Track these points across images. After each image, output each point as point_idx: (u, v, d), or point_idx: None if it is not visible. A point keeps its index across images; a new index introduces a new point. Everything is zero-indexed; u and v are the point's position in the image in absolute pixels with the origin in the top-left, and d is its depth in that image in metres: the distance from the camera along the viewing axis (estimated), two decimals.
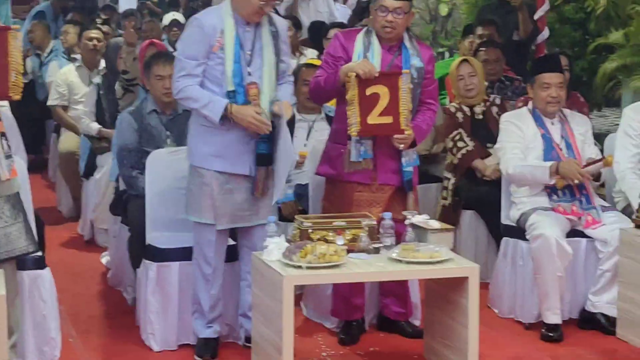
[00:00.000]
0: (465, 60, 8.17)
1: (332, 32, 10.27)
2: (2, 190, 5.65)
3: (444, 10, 15.23)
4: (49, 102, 9.90)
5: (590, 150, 7.08)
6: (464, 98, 7.99)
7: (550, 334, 6.60)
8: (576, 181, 6.74)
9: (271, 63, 6.10)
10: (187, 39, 6.13)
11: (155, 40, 8.98)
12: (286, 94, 6.26)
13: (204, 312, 6.27)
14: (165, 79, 6.93)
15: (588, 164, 6.83)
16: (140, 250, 6.64)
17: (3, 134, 5.68)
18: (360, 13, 12.65)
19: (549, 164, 6.80)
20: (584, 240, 6.80)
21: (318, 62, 8.89)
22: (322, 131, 7.44)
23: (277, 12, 13.10)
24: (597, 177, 6.97)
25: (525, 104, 7.53)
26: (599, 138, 7.42)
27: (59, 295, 6.23)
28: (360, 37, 6.39)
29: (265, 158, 6.10)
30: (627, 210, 6.93)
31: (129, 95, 8.24)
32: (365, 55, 6.29)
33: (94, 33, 9.98)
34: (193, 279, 6.33)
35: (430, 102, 6.54)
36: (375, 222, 5.98)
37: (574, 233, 6.77)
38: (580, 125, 7.16)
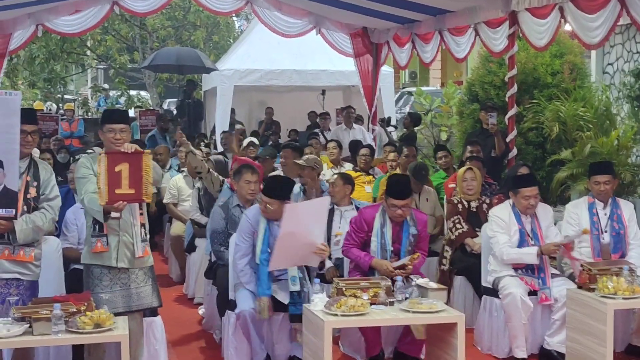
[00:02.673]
0: (470, 168, 8.12)
1: (363, 150, 10.39)
2: (137, 263, 5.72)
3: (444, 135, 15.25)
4: (165, 200, 10.01)
5: (552, 231, 7.01)
6: (464, 194, 7.97)
7: None
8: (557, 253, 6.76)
9: None
10: (240, 229, 6.50)
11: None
12: None
13: None
14: (251, 184, 7.06)
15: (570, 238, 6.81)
16: (225, 304, 6.67)
17: (143, 225, 5.76)
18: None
19: (534, 249, 6.73)
20: None
21: (353, 174, 9.03)
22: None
23: (323, 136, 13.31)
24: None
25: (499, 202, 7.53)
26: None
27: (168, 336, 6.26)
28: (378, 216, 6.61)
29: (296, 317, 6.20)
30: (571, 276, 6.89)
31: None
32: (382, 230, 6.57)
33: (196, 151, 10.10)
34: None
35: (422, 252, 6.69)
36: (390, 283, 5.99)
37: (533, 292, 6.72)
38: (545, 218, 7.04)
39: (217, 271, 7.12)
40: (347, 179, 7.77)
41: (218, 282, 6.99)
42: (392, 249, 6.57)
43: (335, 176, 7.91)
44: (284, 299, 6.25)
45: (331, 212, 7.59)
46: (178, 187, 9.85)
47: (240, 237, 6.45)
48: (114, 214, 5.45)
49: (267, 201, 6.35)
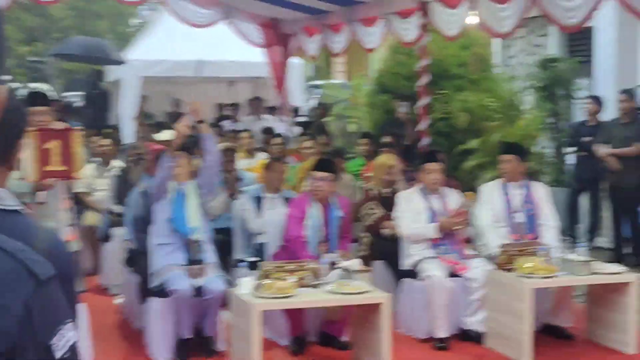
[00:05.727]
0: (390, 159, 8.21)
1: (276, 139, 10.38)
2: None
3: (353, 127, 15.35)
4: (77, 190, 9.75)
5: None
6: (381, 183, 8.02)
7: (440, 344, 6.65)
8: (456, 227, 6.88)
9: None
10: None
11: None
12: None
13: None
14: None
15: (459, 211, 6.97)
16: (147, 291, 6.59)
17: (68, 209, 5.68)
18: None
19: (433, 224, 6.91)
20: (460, 279, 6.86)
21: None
22: (279, 208, 7.50)
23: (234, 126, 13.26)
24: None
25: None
26: None
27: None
28: (309, 201, 6.80)
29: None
30: (489, 256, 7.04)
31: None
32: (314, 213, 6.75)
33: (104, 142, 9.98)
34: None
35: (346, 235, 7.02)
36: (317, 266, 6.03)
37: (452, 274, 6.85)
38: (453, 200, 7.26)
39: (137, 259, 7.03)
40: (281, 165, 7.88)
41: (139, 270, 6.90)
42: (322, 232, 6.67)
43: (271, 161, 7.93)
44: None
45: (260, 200, 7.60)
46: (90, 176, 9.66)
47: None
48: (39, 197, 5.36)
49: (178, 155, 6.60)
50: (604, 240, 10.32)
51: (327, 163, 6.96)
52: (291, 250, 6.66)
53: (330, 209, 6.81)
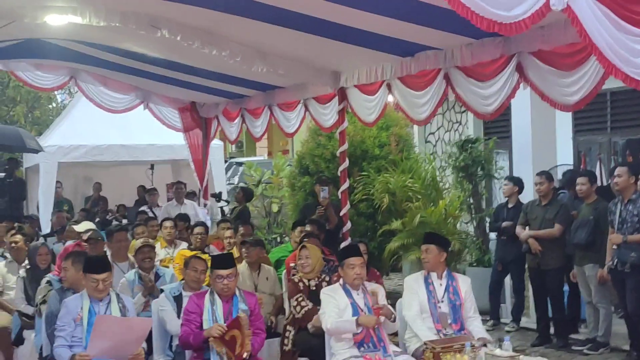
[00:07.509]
0: (304, 246, 8.01)
1: (197, 229, 10.07)
2: None
3: (275, 207, 15.24)
4: None
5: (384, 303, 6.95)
6: (302, 273, 7.84)
7: None
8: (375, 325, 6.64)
9: None
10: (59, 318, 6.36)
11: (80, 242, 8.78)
12: None
13: None
14: None
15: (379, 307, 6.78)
16: None
17: None
18: None
19: (354, 318, 6.69)
20: None
21: (189, 253, 8.76)
22: None
23: (152, 213, 12.93)
24: (391, 316, 6.84)
25: (339, 279, 7.47)
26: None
27: None
28: (207, 297, 6.68)
29: None
30: (417, 352, 6.82)
31: None
32: (213, 308, 6.59)
33: (16, 237, 9.55)
34: None
35: (258, 331, 6.78)
36: None
37: None
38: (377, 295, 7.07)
39: None
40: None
41: None
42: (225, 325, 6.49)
43: (190, 258, 7.65)
44: None
45: (180, 299, 7.31)
46: (2, 274, 9.24)
47: (59, 326, 6.27)
48: None
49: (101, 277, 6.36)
50: (529, 320, 10.25)
51: (227, 258, 6.86)
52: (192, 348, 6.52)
53: (234, 301, 6.66)
